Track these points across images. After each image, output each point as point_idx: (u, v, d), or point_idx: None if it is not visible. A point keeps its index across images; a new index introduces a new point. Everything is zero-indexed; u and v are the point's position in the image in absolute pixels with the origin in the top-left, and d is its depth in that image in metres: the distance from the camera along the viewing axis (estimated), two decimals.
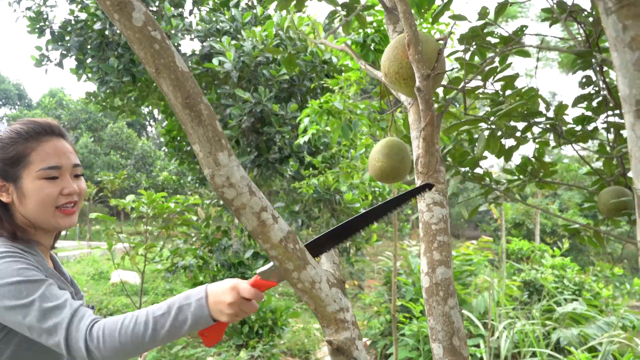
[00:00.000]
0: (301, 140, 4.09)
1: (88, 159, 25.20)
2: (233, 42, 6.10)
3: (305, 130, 3.97)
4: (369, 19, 3.36)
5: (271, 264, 1.10)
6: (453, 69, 1.49)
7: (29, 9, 6.65)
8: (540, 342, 5.55)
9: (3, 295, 1.08)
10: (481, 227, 25.13)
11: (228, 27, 6.69)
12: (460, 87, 1.63)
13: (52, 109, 29.90)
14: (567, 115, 2.40)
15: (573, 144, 2.51)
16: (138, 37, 0.87)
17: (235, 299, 1.07)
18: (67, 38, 6.81)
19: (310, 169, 6.23)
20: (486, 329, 5.78)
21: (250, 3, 7.51)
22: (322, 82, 5.94)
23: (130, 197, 4.18)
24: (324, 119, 3.48)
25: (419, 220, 1.40)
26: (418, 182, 1.42)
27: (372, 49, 3.28)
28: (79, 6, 6.65)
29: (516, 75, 2.19)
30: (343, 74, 5.19)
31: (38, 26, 6.69)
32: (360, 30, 3.40)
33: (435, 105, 2.29)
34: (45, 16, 6.74)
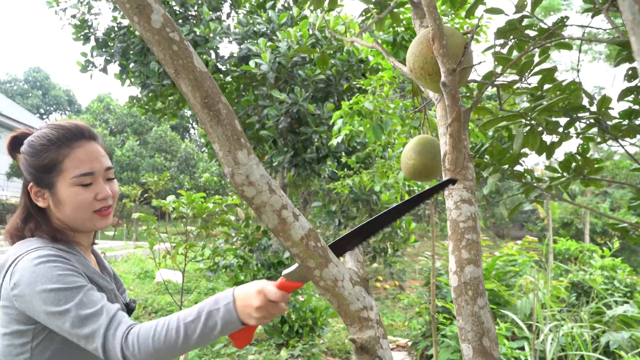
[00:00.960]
0: (334, 141, 4.08)
1: (134, 162, 25.92)
2: (269, 43, 6.15)
3: (339, 131, 3.96)
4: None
5: (296, 264, 1.09)
6: (480, 62, 1.45)
7: (74, 16, 6.90)
8: (588, 345, 5.35)
9: (43, 300, 1.11)
10: (527, 227, 24.52)
11: (265, 29, 6.76)
12: (491, 81, 1.59)
13: (100, 114, 30.93)
14: (613, 109, 2.31)
15: (619, 140, 2.41)
16: (157, 39, 0.88)
17: (262, 302, 1.08)
18: (111, 44, 7.03)
19: (346, 169, 6.21)
20: (531, 331, 5.62)
21: (286, 4, 7.56)
22: (355, 82, 5.93)
23: (170, 198, 4.26)
24: (355, 119, 3.46)
25: (447, 219, 1.37)
26: (445, 179, 1.39)
27: (403, 46, 3.25)
28: (122, 13, 6.86)
29: (554, 68, 2.11)
30: (379, 72, 5.15)
31: (83, 33, 6.94)
32: (390, 29, 3.36)
33: (469, 102, 2.24)
34: (89, 24, 6.98)
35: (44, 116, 45.83)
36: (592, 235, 19.98)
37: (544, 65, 2.15)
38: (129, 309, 1.42)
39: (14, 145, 1.34)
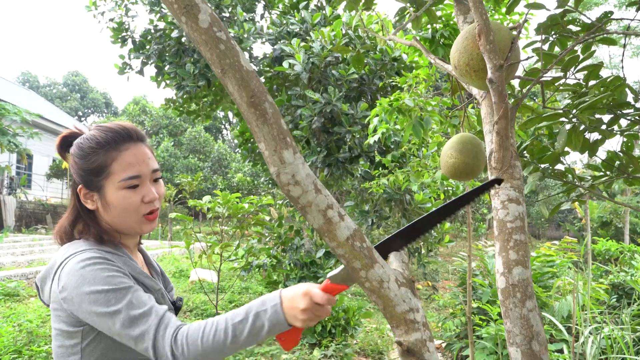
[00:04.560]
0: (371, 140, 4.05)
1: (169, 163, 26.36)
2: (302, 43, 6.16)
3: (375, 130, 3.93)
4: (438, 13, 3.27)
5: (341, 267, 1.08)
6: (528, 58, 1.41)
7: (111, 20, 7.04)
8: (630, 348, 5.18)
9: (92, 302, 1.12)
10: (564, 226, 23.96)
11: (298, 29, 6.77)
12: (537, 78, 1.54)
13: (136, 116, 31.57)
14: None
15: None
16: (204, 39, 0.88)
17: (308, 304, 1.08)
18: (147, 47, 7.15)
19: (380, 168, 6.16)
20: (570, 333, 5.47)
21: (319, 4, 7.55)
22: (392, 80, 5.87)
23: (206, 198, 4.31)
24: (393, 117, 3.42)
25: (493, 218, 1.32)
26: (491, 179, 1.34)
27: (441, 44, 3.19)
28: (158, 15, 6.97)
29: (600, 64, 2.05)
30: (414, 70, 5.09)
31: (120, 36, 7.07)
32: (429, 26, 3.31)
33: (511, 100, 2.19)
34: (127, 26, 7.11)
35: (82, 118, 47.10)
36: (632, 235, 19.42)
37: (588, 62, 2.08)
38: (175, 307, 1.42)
39: (64, 146, 1.35)
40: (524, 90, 1.53)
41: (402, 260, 1.09)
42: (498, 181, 1.16)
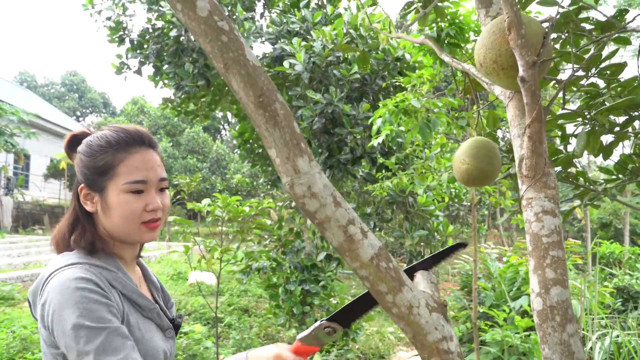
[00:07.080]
0: (375, 142, 3.94)
1: (167, 163, 26.23)
2: (303, 43, 6.04)
3: (378, 131, 3.82)
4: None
5: (312, 327, 1.02)
6: (562, 54, 1.29)
7: (109, 18, 6.92)
8: (639, 353, 5.08)
9: (63, 332, 1.03)
10: (563, 228, 23.86)
11: (298, 28, 6.65)
12: (568, 78, 1.42)
13: (134, 116, 31.42)
14: None
15: None
16: (203, 29, 0.76)
17: None
18: (145, 46, 7.03)
19: (383, 170, 6.05)
20: None
21: (320, 2, 7.43)
22: (395, 80, 5.75)
23: (205, 201, 4.20)
24: (399, 119, 3.31)
25: (526, 232, 1.20)
26: (522, 188, 1.23)
27: (447, 43, 3.09)
28: (156, 14, 6.85)
29: (624, 64, 1.94)
30: (417, 70, 4.98)
31: (117, 35, 6.95)
32: (434, 25, 3.21)
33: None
34: (124, 25, 6.99)
35: (80, 118, 46.95)
36: (632, 236, 19.44)
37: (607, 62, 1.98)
38: (174, 324, 1.34)
39: (72, 144, 1.28)
40: (556, 91, 1.40)
41: (430, 281, 0.97)
42: (463, 245, 1.11)
